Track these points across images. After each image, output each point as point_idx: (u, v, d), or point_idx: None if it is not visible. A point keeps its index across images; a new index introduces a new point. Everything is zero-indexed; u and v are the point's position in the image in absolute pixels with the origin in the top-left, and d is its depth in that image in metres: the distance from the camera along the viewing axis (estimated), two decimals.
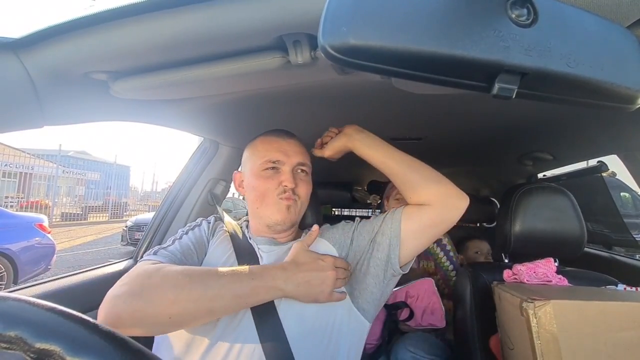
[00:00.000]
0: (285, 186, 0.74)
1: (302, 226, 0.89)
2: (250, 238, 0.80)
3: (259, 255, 0.74)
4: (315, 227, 0.75)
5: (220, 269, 0.61)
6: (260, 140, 0.81)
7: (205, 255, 0.75)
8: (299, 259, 0.66)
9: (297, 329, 0.64)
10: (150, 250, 0.70)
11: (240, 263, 0.71)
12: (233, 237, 0.78)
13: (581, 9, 0.30)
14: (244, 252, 0.74)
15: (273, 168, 0.76)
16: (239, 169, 0.89)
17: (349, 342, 0.70)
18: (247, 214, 0.86)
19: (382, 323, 1.22)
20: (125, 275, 0.60)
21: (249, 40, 0.50)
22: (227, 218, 0.85)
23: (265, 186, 0.75)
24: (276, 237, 0.79)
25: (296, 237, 0.82)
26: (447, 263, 1.39)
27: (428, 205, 0.70)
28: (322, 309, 0.67)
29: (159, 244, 1.14)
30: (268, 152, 0.76)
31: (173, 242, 0.74)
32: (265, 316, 0.64)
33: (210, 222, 0.83)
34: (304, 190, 0.78)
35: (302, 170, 0.79)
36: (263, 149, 0.78)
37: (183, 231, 0.78)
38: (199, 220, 0.84)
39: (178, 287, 0.56)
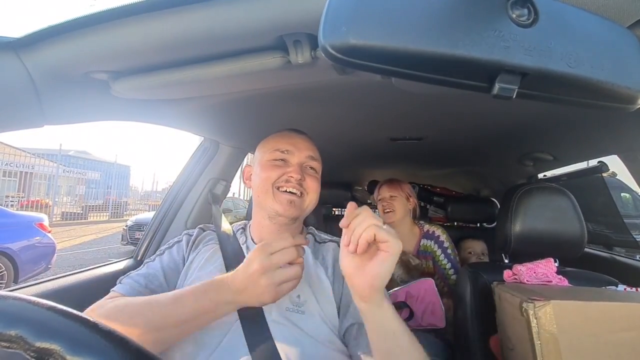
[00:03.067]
0: (291, 176, 0.71)
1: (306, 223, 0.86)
2: (244, 242, 0.77)
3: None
4: (304, 241, 0.63)
5: (165, 296, 0.60)
6: (272, 135, 0.80)
7: (187, 274, 0.71)
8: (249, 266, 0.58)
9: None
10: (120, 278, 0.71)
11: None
12: (223, 245, 0.75)
13: (582, 9, 0.30)
14: (233, 261, 0.70)
15: (282, 160, 0.74)
16: (249, 163, 0.88)
17: None
18: (245, 216, 0.84)
19: None
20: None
21: (250, 40, 0.50)
22: (224, 223, 0.83)
23: (270, 174, 0.72)
24: (273, 235, 0.75)
25: (294, 232, 0.77)
26: (445, 261, 1.39)
27: None
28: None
29: (159, 244, 1.15)
30: (278, 143, 0.76)
31: (143, 265, 0.73)
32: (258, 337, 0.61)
33: (192, 235, 0.79)
34: (312, 185, 0.74)
35: (312, 168, 0.76)
36: (274, 141, 0.77)
37: (160, 251, 0.77)
38: (182, 235, 0.81)
39: (117, 323, 0.54)
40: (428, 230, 1.47)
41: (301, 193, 0.73)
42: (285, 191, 0.72)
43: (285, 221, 0.73)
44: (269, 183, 0.72)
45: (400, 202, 1.46)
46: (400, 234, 1.48)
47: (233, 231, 0.81)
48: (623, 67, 0.30)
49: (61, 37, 0.49)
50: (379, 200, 1.52)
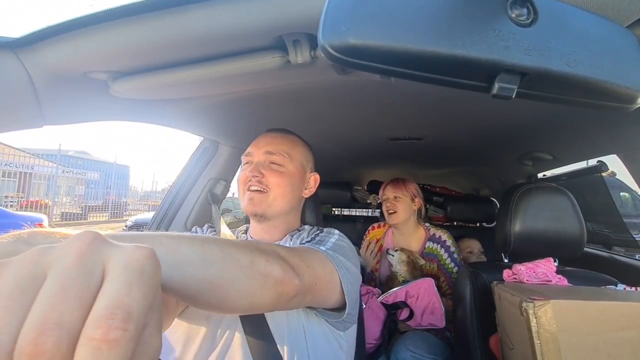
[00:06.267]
0: (248, 176, 0.74)
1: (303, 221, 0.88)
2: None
3: None
4: None
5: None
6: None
7: None
8: None
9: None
10: None
11: None
12: None
13: (581, 8, 0.30)
14: None
15: (248, 162, 0.78)
16: None
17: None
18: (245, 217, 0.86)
19: (382, 323, 1.22)
20: None
21: (249, 40, 0.50)
22: (223, 228, 0.85)
23: (240, 178, 0.78)
24: (263, 234, 0.78)
25: (289, 230, 0.79)
26: (452, 265, 1.39)
27: None
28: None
29: None
30: (248, 148, 0.80)
31: None
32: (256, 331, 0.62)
33: (203, 231, 0.84)
34: (273, 179, 0.74)
35: (273, 162, 0.76)
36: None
37: None
38: (194, 229, 0.85)
39: None
40: (434, 234, 1.46)
41: (263, 189, 0.74)
42: (249, 190, 0.74)
43: (257, 219, 0.75)
44: (240, 187, 0.77)
45: (404, 203, 1.45)
46: (404, 234, 1.50)
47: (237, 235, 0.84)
48: (622, 66, 0.30)
49: (60, 37, 0.49)
50: (384, 200, 1.50)
